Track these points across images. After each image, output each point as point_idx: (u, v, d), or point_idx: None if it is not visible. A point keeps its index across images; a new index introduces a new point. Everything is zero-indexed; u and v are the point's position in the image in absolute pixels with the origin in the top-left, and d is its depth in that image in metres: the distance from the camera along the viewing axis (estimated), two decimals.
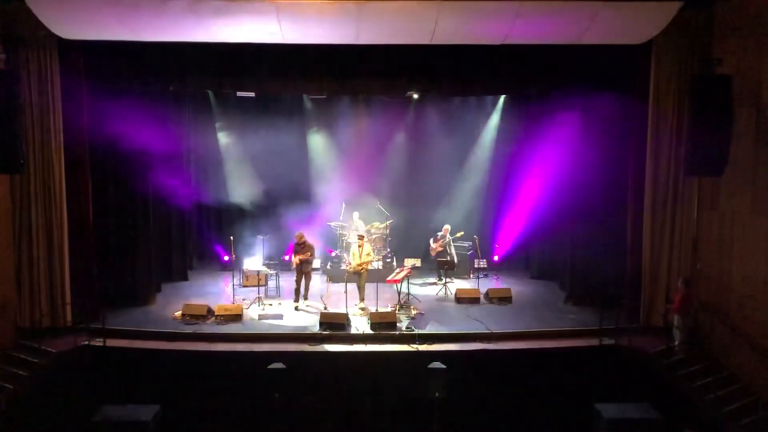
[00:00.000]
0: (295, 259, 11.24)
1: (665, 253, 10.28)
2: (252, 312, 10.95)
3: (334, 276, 12.47)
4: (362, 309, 11.03)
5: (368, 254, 11.44)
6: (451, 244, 13.11)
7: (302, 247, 11.26)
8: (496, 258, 14.07)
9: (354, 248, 11.60)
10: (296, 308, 11.19)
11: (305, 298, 11.40)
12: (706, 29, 9.68)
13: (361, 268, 11.26)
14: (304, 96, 13.84)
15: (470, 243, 13.60)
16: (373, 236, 13.64)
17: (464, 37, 9.96)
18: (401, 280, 11.01)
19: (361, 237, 11.68)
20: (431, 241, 13.19)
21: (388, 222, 13.94)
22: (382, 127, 14.17)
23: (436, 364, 8.54)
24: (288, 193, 14.06)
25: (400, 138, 14.36)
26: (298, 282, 11.29)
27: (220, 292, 12.36)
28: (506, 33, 9.62)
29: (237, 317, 10.46)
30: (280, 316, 10.68)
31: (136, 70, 10.69)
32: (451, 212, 14.02)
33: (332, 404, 9.26)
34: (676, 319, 9.52)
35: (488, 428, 9.30)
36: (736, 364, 9.02)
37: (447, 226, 13.17)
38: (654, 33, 9.76)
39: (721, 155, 8.73)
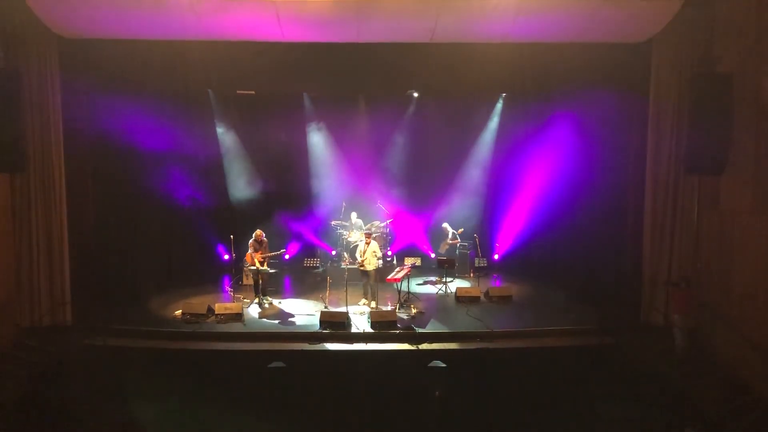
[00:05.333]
0: (257, 257, 11.19)
1: (665, 253, 10.26)
2: (252, 311, 10.95)
3: (335, 275, 12.46)
4: (364, 303, 11.17)
5: (374, 252, 11.24)
6: (456, 236, 13.44)
7: (260, 244, 11.32)
8: (496, 257, 14.07)
9: (361, 246, 11.40)
10: (259, 304, 11.18)
11: (263, 294, 11.34)
12: (706, 28, 9.63)
13: (363, 264, 11.14)
14: (304, 94, 13.85)
15: (470, 242, 13.62)
16: (374, 235, 13.62)
17: (464, 36, 9.96)
18: (401, 279, 11.01)
19: (368, 234, 11.47)
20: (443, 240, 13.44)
21: (387, 221, 13.95)
22: (382, 126, 14.19)
23: (437, 363, 8.54)
24: (288, 191, 14.09)
25: (399, 136, 14.37)
26: (255, 279, 11.32)
27: (220, 291, 12.38)
28: (506, 31, 9.62)
29: (237, 316, 10.45)
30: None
31: (136, 69, 10.68)
32: (451, 211, 14.05)
33: (332, 403, 9.26)
34: (676, 319, 9.52)
35: (488, 428, 9.29)
36: (737, 363, 9.01)
37: (445, 225, 13.32)
38: (654, 31, 9.75)
39: (721, 154, 8.74)
